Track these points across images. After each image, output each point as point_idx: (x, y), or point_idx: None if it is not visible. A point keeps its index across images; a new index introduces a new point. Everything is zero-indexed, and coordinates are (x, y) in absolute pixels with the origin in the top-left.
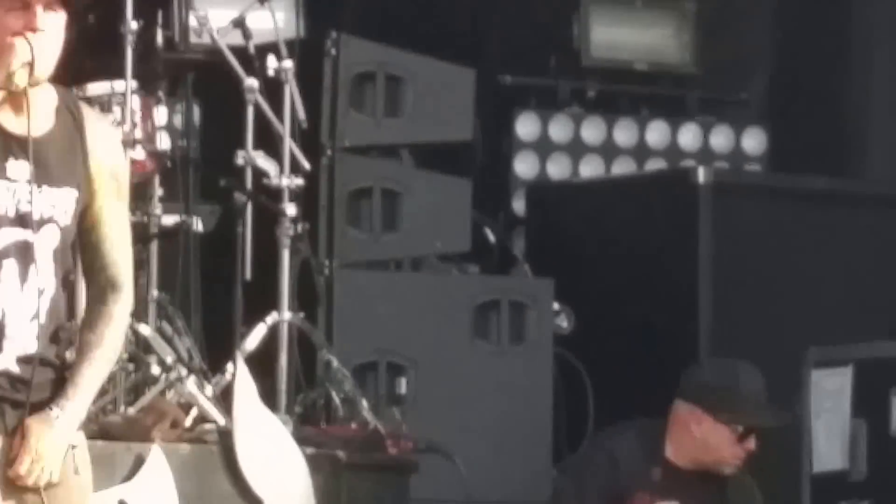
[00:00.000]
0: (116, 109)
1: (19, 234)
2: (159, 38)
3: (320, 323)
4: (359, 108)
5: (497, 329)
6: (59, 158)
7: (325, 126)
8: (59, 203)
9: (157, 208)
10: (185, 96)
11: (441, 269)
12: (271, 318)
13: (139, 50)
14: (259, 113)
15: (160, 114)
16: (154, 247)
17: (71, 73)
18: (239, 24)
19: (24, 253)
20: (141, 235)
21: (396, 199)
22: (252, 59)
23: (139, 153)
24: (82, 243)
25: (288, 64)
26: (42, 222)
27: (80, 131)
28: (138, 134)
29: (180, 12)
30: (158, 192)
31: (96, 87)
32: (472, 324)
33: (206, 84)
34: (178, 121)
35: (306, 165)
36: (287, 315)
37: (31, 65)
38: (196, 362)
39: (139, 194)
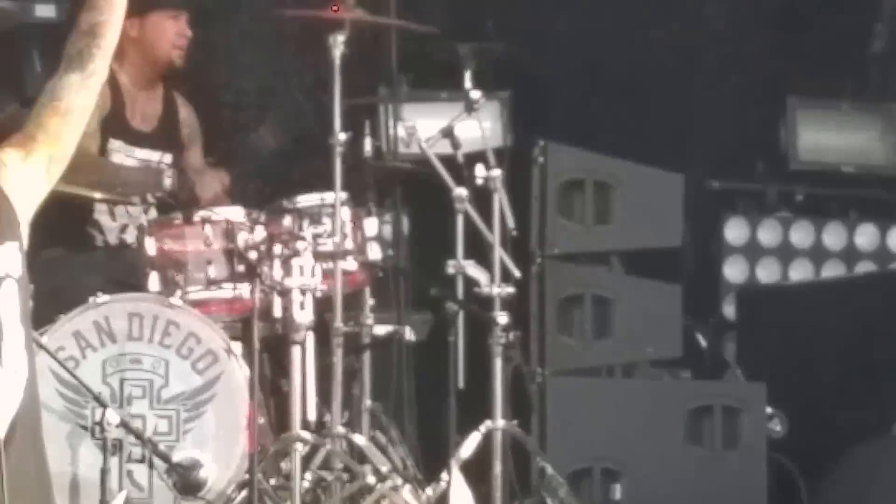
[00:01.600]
0: (326, 220)
1: None
2: (368, 149)
3: (534, 430)
4: (568, 216)
5: (710, 434)
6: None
7: (535, 234)
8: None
9: (370, 318)
10: (395, 206)
11: (653, 374)
12: (485, 426)
13: (348, 161)
14: (468, 222)
15: (370, 224)
16: (367, 357)
17: (280, 184)
18: (447, 133)
19: None
20: (354, 345)
21: (607, 305)
22: (461, 168)
23: (350, 264)
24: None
25: (496, 172)
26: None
27: None
28: (349, 245)
29: (389, 123)
30: (370, 302)
31: (306, 199)
32: (686, 429)
33: (414, 193)
34: (387, 231)
35: (517, 273)
36: (500, 423)
37: None
38: (411, 471)
39: (351, 305)
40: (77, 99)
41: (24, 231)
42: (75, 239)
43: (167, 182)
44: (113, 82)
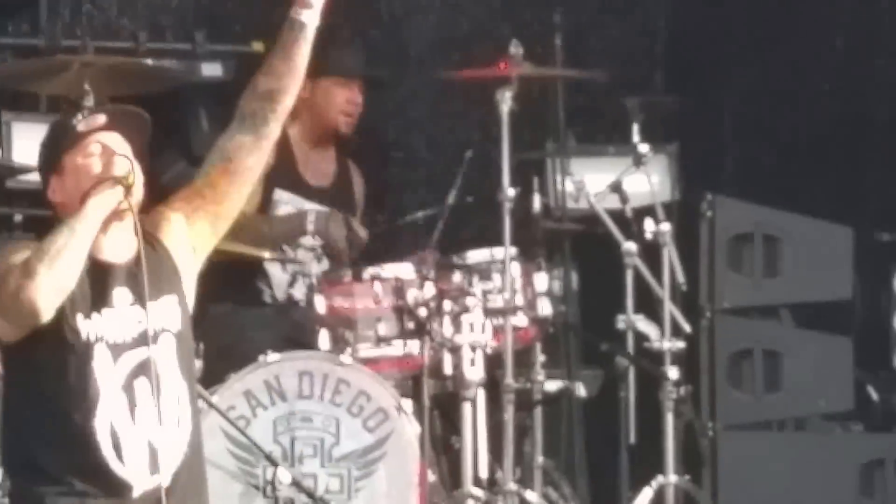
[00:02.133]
0: (496, 276)
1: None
2: (537, 205)
3: (705, 485)
4: (737, 269)
5: (883, 487)
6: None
7: (704, 288)
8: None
9: (540, 374)
10: (564, 261)
11: (825, 428)
12: (657, 481)
13: (517, 216)
14: (638, 276)
15: (540, 280)
16: (538, 413)
17: (450, 241)
18: (616, 188)
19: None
20: (525, 402)
21: (777, 358)
22: (629, 222)
23: (521, 320)
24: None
25: (665, 227)
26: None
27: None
28: (519, 301)
29: (557, 178)
30: (540, 358)
31: (476, 255)
32: (858, 483)
33: (583, 248)
34: (557, 286)
35: (687, 328)
36: (673, 478)
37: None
38: None
39: (522, 361)
40: (248, 160)
41: (189, 286)
42: (244, 295)
43: (310, 224)
44: (282, 135)
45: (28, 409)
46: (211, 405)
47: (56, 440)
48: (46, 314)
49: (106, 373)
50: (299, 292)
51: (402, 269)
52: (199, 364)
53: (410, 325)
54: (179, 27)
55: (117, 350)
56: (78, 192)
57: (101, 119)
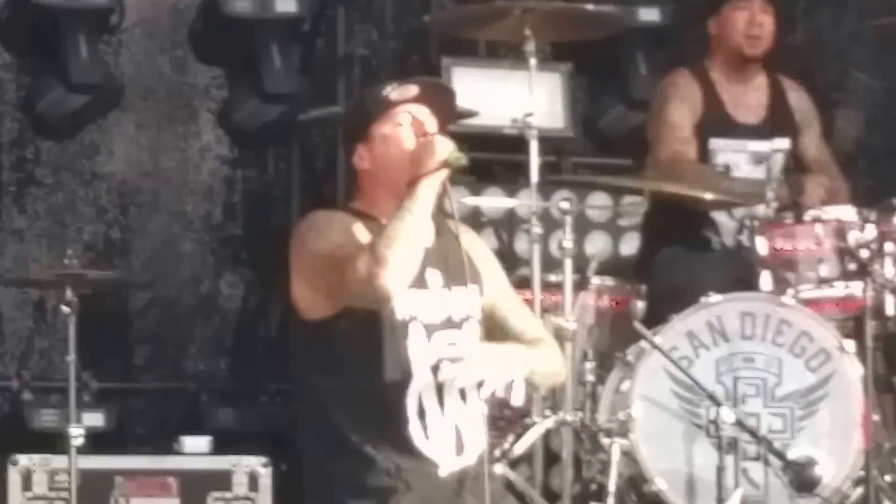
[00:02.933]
0: None
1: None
2: None
3: None
4: None
5: None
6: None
7: None
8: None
9: None
10: None
11: None
12: None
13: None
14: None
15: None
16: None
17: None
18: None
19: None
20: None
21: None
22: None
23: None
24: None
25: None
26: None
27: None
28: None
29: None
30: None
31: None
32: None
33: None
34: None
35: None
36: None
37: None
38: None
39: None
40: None
41: (491, 279)
42: (694, 239)
43: (771, 197)
44: (704, 81)
45: (335, 384)
46: (654, 346)
47: (366, 415)
48: (394, 298)
49: (419, 351)
50: (746, 238)
51: (844, 212)
52: (640, 305)
53: (852, 266)
54: None
55: (430, 330)
56: (385, 160)
57: (414, 90)
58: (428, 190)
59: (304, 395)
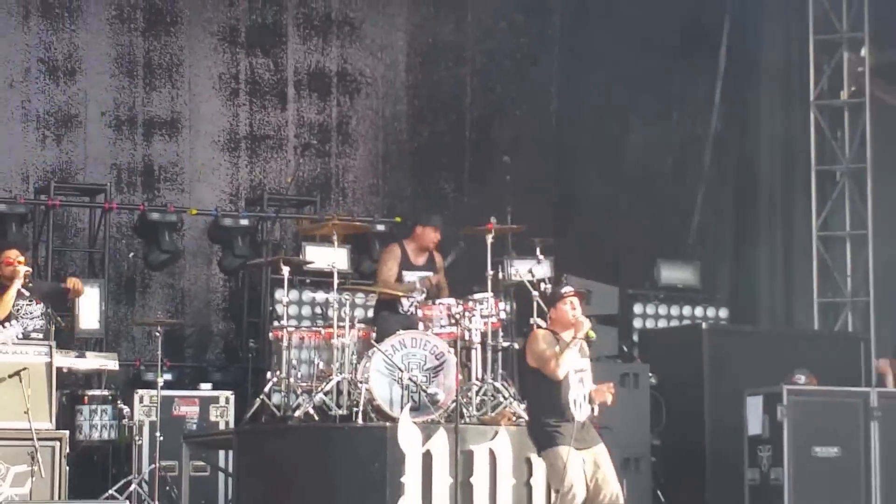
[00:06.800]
0: None
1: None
2: None
3: None
4: None
5: None
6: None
7: None
8: None
9: None
10: None
11: None
12: None
13: None
14: None
15: None
16: None
17: None
18: None
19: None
20: None
21: None
22: None
23: None
24: None
25: None
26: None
27: None
28: None
29: None
30: None
31: None
32: None
33: None
34: None
35: None
36: None
37: None
38: None
39: None
40: None
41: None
42: (393, 309)
43: (418, 290)
44: (402, 250)
45: (540, 388)
46: (378, 349)
47: (554, 401)
48: (561, 375)
49: (571, 382)
50: (413, 309)
51: (449, 300)
52: (373, 335)
53: (452, 320)
54: None
55: (575, 374)
56: (564, 320)
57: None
58: (578, 343)
59: (530, 392)
